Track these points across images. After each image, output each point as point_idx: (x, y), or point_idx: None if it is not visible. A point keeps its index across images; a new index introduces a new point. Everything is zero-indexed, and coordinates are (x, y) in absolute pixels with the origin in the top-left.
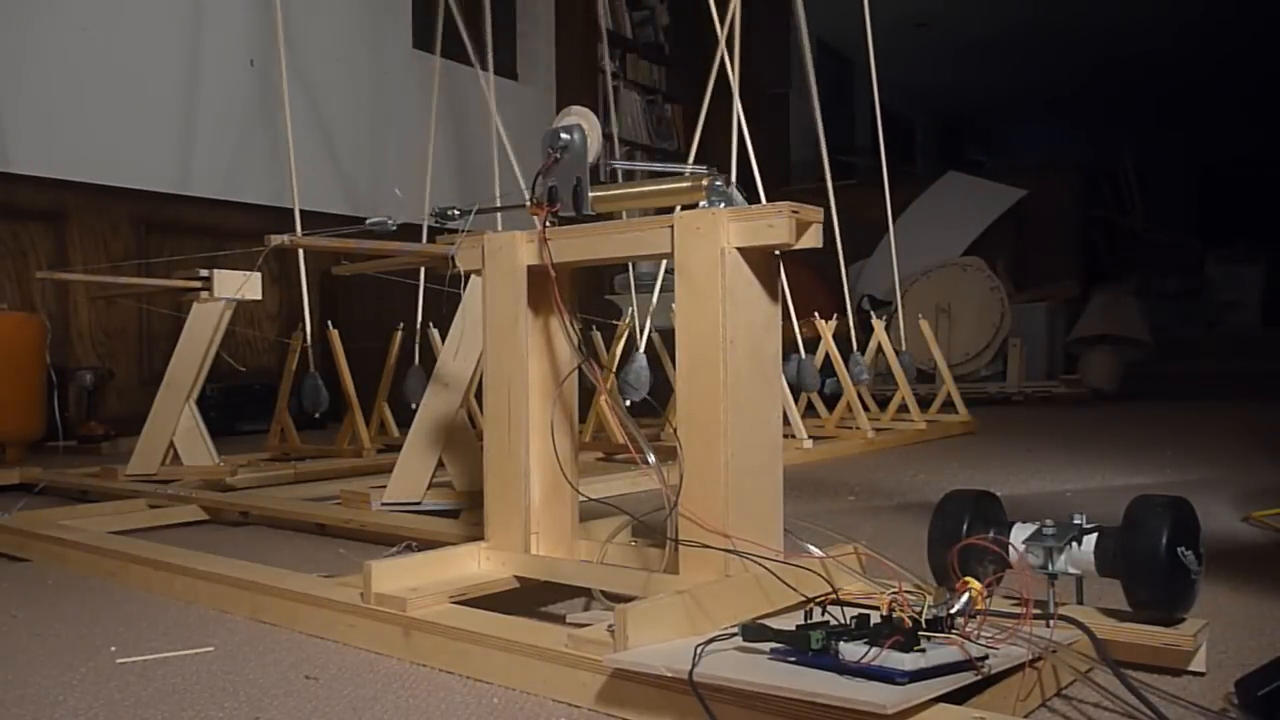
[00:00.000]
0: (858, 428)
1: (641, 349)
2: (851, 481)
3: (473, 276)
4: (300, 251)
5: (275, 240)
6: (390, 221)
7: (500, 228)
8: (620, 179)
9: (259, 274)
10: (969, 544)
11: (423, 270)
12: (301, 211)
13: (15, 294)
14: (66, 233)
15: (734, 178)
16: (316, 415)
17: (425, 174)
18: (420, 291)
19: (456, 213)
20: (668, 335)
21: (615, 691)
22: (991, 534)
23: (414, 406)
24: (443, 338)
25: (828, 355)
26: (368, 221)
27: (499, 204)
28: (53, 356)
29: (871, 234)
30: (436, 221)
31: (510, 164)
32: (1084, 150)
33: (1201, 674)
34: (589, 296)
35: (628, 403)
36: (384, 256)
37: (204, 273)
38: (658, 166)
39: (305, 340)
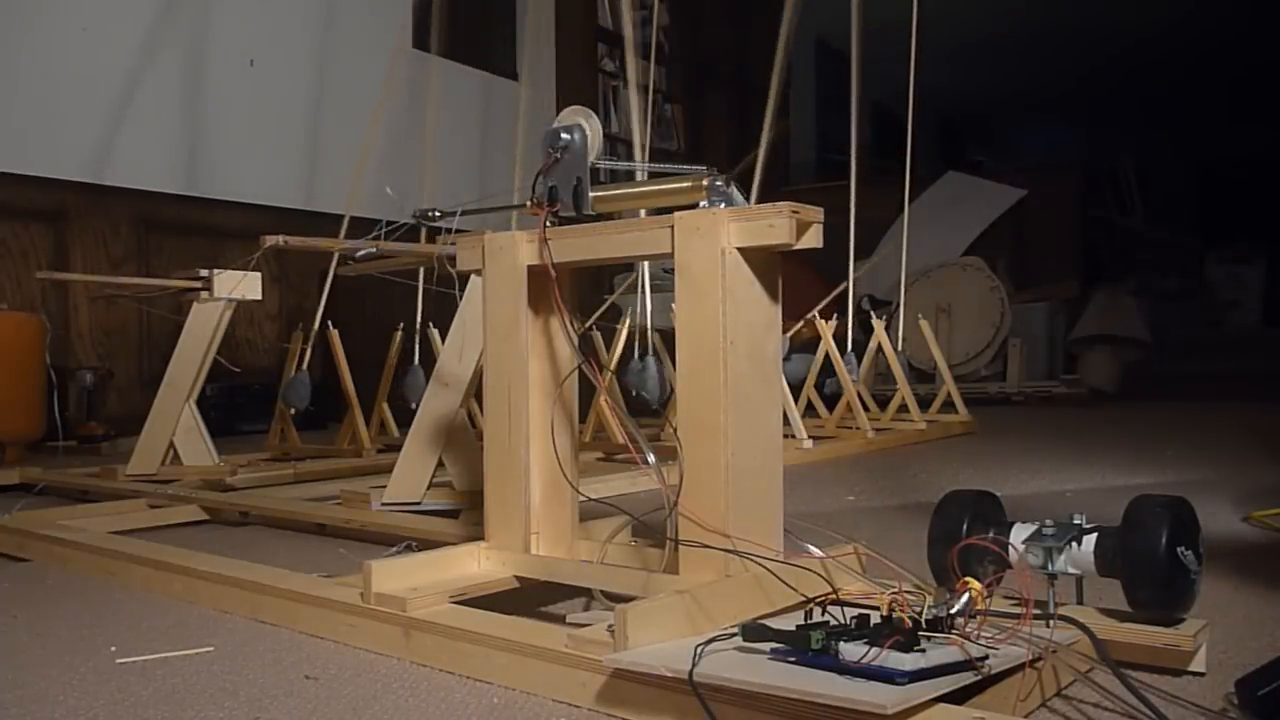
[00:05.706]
0: (858, 428)
1: (637, 348)
2: (851, 481)
3: (473, 276)
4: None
5: (270, 241)
6: (375, 248)
7: (513, 227)
8: (639, 176)
9: (259, 274)
10: (969, 544)
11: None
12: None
13: (15, 294)
14: (66, 233)
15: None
16: (293, 412)
17: (421, 173)
18: (420, 291)
19: (437, 213)
20: (667, 335)
21: (615, 691)
22: (991, 534)
23: (414, 406)
24: (443, 338)
25: (828, 355)
26: (359, 255)
27: (501, 204)
28: (53, 356)
29: (871, 233)
30: (419, 223)
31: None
32: (1084, 150)
33: (1201, 674)
34: (590, 297)
35: (633, 394)
36: (385, 257)
37: (204, 273)
38: (654, 167)
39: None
